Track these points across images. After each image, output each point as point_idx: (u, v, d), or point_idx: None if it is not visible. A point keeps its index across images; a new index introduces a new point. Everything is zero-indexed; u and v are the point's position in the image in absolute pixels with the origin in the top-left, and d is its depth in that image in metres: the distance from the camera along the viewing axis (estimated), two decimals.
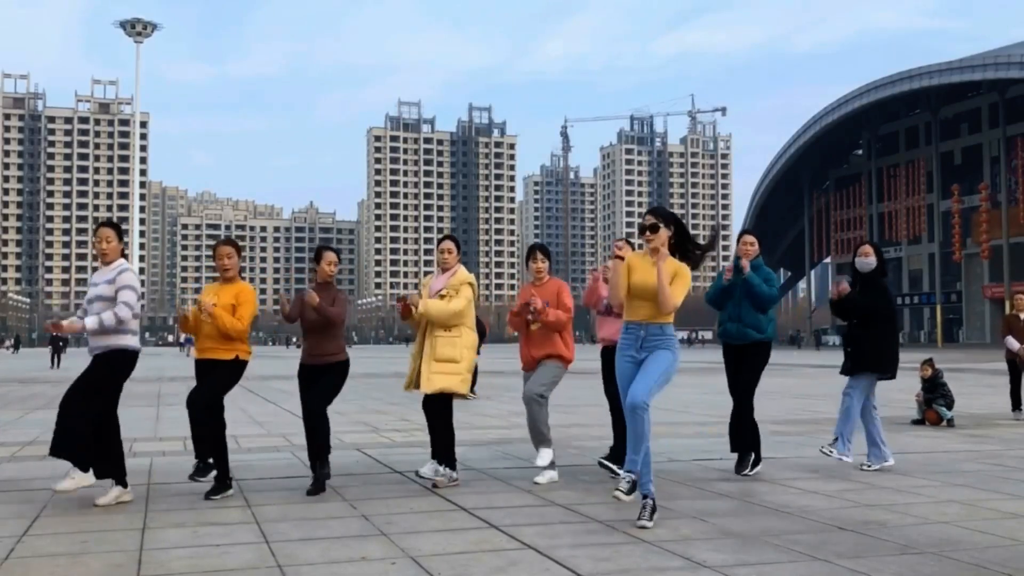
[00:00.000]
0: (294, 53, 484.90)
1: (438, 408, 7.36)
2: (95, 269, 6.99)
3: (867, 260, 8.31)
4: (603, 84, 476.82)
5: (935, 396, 12.32)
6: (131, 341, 6.69)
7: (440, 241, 7.58)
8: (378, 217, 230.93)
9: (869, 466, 8.18)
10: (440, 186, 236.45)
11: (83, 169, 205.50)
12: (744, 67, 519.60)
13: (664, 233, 6.06)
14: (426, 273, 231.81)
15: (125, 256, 6.92)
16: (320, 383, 7.31)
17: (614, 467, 7.70)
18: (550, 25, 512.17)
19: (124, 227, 6.89)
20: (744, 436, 7.95)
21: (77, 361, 46.14)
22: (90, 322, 6.55)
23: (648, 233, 6.07)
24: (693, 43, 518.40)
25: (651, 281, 5.96)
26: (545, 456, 7.56)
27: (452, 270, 7.46)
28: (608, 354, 7.85)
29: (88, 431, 6.45)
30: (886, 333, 8.28)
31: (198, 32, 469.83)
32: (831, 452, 8.15)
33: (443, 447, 7.39)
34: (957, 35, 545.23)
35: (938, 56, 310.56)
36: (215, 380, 7.06)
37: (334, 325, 7.29)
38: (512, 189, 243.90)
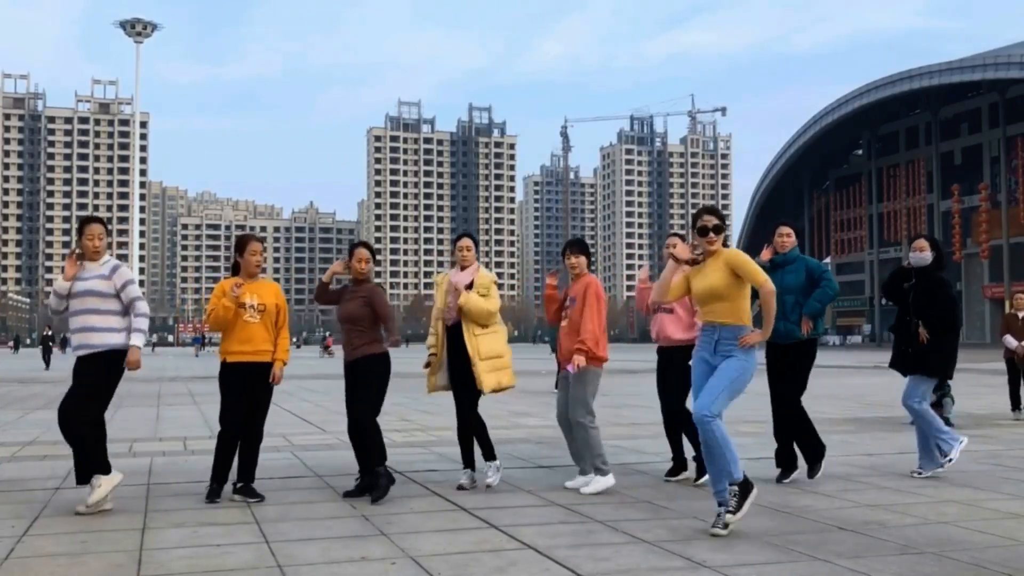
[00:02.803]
0: (291, 53, 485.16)
1: (472, 408, 7.28)
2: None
3: (922, 255, 7.79)
4: (601, 84, 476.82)
5: (943, 394, 12.15)
6: (118, 339, 6.43)
7: (458, 239, 7.47)
8: (378, 217, 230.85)
9: (920, 473, 7.70)
10: (440, 186, 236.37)
11: (83, 169, 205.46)
12: (744, 67, 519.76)
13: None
14: (427, 273, 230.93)
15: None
16: (361, 387, 7.06)
17: (684, 476, 7.60)
18: (544, 26, 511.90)
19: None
20: (805, 446, 7.54)
21: (67, 362, 46.50)
22: (139, 339, 6.46)
23: (712, 235, 5.75)
24: (690, 43, 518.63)
25: (711, 283, 5.67)
26: (599, 484, 7.03)
27: (473, 267, 7.35)
28: (663, 355, 7.64)
29: (99, 437, 6.42)
30: (952, 338, 7.86)
31: (195, 33, 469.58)
32: (943, 464, 7.57)
33: (488, 443, 7.34)
34: (955, 35, 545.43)
35: (936, 56, 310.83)
36: (267, 393, 7.01)
37: (366, 318, 7.14)
38: (512, 189, 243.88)
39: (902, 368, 7.98)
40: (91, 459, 6.36)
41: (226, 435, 6.82)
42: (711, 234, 5.76)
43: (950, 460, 7.61)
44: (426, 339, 7.56)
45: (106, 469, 6.37)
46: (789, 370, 7.58)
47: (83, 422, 6.33)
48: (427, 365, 7.43)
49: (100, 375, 6.40)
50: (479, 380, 7.07)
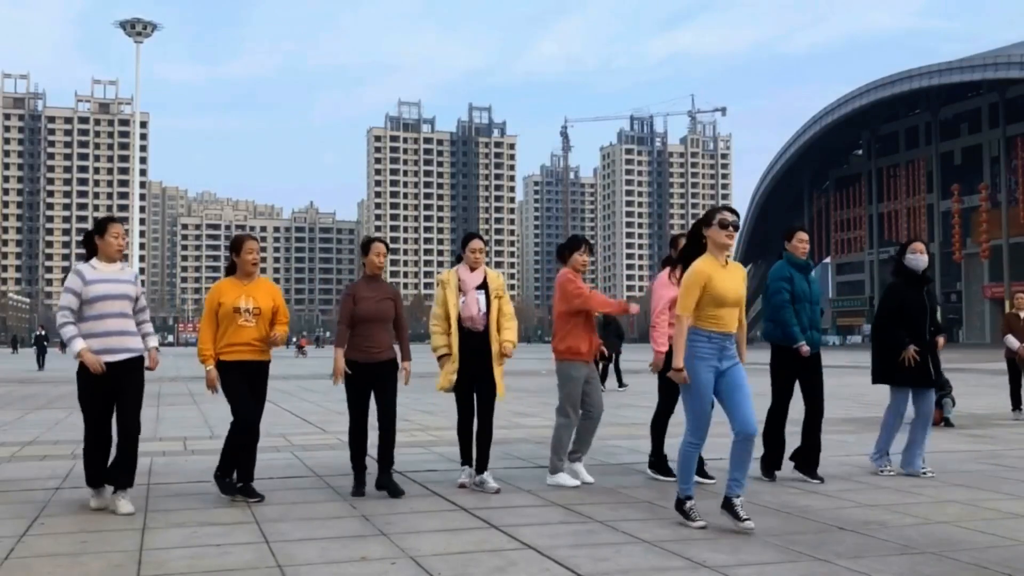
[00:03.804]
0: (291, 53, 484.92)
1: (490, 412, 7.36)
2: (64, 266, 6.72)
3: (923, 257, 7.94)
4: (600, 85, 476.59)
5: (944, 394, 12.13)
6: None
7: (469, 239, 7.45)
8: (378, 217, 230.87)
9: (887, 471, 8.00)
10: (440, 186, 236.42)
11: (83, 169, 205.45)
12: (744, 67, 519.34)
13: None
14: (427, 273, 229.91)
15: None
16: (390, 384, 7.09)
17: (665, 478, 7.60)
18: (544, 26, 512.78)
19: (119, 218, 6.61)
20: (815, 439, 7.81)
21: (63, 362, 45.25)
22: (154, 341, 6.57)
23: (731, 229, 5.75)
24: (690, 43, 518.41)
25: (741, 290, 5.74)
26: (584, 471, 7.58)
27: (481, 268, 7.41)
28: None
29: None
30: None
31: (194, 33, 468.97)
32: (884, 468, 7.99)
33: (488, 455, 7.36)
34: (955, 35, 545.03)
35: (936, 56, 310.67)
36: (264, 389, 6.98)
37: (391, 320, 7.18)
38: (512, 189, 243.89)
39: (928, 381, 8.00)
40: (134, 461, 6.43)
41: (245, 427, 6.71)
42: (731, 228, 5.77)
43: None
44: (433, 340, 7.36)
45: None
46: (816, 373, 7.79)
47: (139, 425, 6.42)
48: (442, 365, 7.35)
49: (142, 377, 6.47)
50: (498, 386, 7.22)
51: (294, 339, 70.83)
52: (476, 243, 7.45)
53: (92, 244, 6.54)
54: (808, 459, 7.73)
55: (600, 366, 20.82)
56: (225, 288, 6.86)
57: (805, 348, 7.59)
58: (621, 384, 20.89)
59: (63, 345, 54.53)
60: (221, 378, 6.79)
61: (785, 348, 7.70)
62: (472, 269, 7.39)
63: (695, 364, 5.73)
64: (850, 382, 23.31)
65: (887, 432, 8.19)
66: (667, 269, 7.74)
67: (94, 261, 6.49)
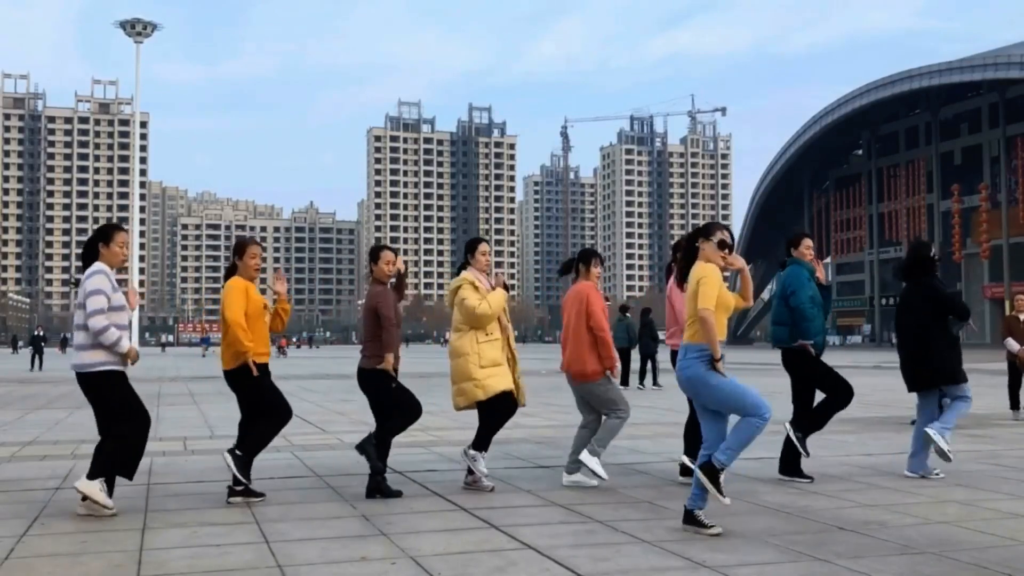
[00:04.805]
0: (290, 53, 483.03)
1: None
2: (79, 270, 6.65)
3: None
4: (599, 85, 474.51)
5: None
6: None
7: (478, 243, 7.45)
8: (378, 217, 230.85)
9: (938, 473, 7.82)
10: (440, 186, 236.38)
11: (83, 169, 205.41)
12: (744, 67, 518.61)
13: None
14: (427, 273, 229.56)
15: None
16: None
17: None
18: (544, 26, 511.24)
19: (124, 227, 6.56)
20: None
21: (62, 362, 45.18)
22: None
23: (727, 252, 5.82)
24: (688, 43, 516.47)
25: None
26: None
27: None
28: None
29: None
30: None
31: (193, 33, 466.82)
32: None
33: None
34: (954, 35, 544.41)
35: (935, 56, 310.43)
36: None
37: None
38: (512, 189, 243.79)
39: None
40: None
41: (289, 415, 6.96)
42: (727, 251, 5.83)
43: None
44: (495, 300, 7.18)
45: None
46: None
47: None
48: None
49: None
50: (522, 393, 7.34)
51: (294, 338, 71.19)
52: (485, 246, 7.50)
53: (94, 250, 6.36)
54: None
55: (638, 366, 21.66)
56: (249, 284, 6.80)
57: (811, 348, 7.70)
58: (642, 384, 21.10)
59: (63, 345, 54.09)
60: (260, 379, 6.77)
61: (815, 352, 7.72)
62: (483, 273, 7.41)
63: (708, 374, 5.60)
64: (851, 383, 23.29)
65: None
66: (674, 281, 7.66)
67: (108, 265, 6.31)
